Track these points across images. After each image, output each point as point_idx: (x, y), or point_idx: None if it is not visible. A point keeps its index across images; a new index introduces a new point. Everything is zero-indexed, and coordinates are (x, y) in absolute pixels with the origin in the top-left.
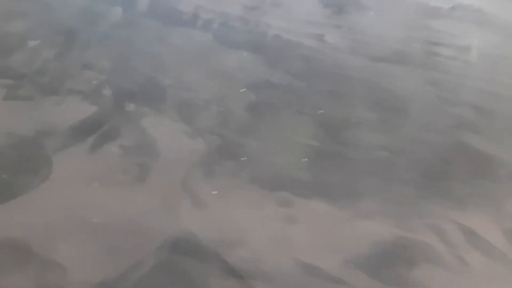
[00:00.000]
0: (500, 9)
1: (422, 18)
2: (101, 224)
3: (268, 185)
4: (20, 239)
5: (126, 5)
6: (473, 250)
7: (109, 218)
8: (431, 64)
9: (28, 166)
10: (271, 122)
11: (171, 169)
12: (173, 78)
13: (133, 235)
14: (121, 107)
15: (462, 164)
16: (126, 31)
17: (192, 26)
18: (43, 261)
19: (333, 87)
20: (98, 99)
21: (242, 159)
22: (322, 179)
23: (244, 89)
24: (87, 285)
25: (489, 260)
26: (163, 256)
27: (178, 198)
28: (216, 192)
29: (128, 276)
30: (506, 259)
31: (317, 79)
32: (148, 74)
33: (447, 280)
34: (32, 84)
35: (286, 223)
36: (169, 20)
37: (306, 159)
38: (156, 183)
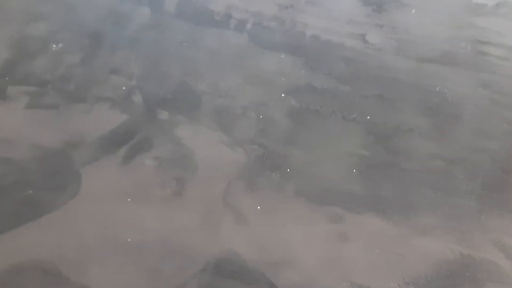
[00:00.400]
0: None
1: (466, 16)
2: (136, 244)
3: (316, 199)
4: (49, 261)
5: (154, 5)
6: None
7: (145, 237)
8: (482, 64)
9: (55, 181)
10: (315, 129)
11: (210, 182)
12: (207, 83)
13: (172, 256)
14: (153, 115)
15: None
16: (154, 33)
17: (225, 27)
18: (74, 287)
19: (379, 91)
20: (128, 106)
21: (287, 170)
22: (374, 192)
23: (283, 95)
24: None
25: None
26: (206, 279)
27: (219, 215)
28: (259, 207)
29: None
30: None
31: (362, 83)
32: (181, 79)
33: None
34: (57, 91)
35: (338, 241)
36: (200, 20)
37: (355, 170)
38: (195, 198)
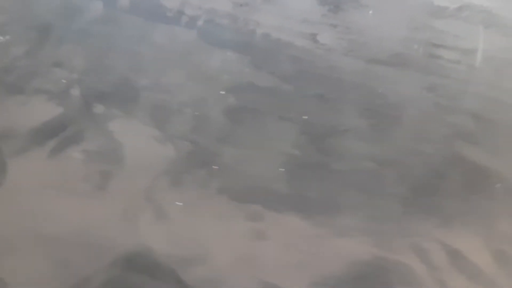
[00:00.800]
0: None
1: (425, 18)
2: (52, 236)
3: (238, 197)
4: None
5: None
6: (457, 274)
7: (62, 230)
8: (432, 67)
9: None
10: (250, 128)
11: (135, 177)
12: (149, 78)
13: (85, 248)
14: (88, 108)
15: (456, 178)
16: (105, 28)
17: (176, 23)
18: None
19: (322, 91)
20: (65, 99)
21: (214, 167)
22: (299, 191)
23: (223, 92)
24: None
25: (474, 285)
26: (115, 272)
27: (139, 209)
28: (180, 203)
29: None
30: (493, 285)
31: (306, 82)
32: (123, 74)
33: None
34: None
35: (254, 240)
36: (152, 16)
37: (283, 169)
38: (117, 192)
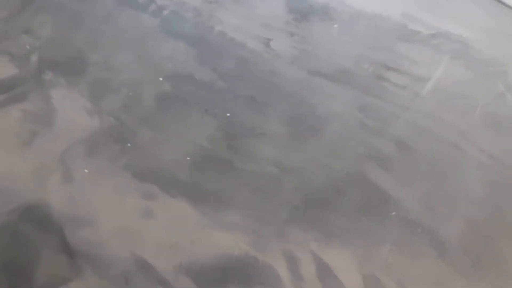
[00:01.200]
0: (490, 45)
1: (390, 40)
2: None
3: (141, 175)
4: None
5: None
6: None
7: None
8: (373, 89)
9: None
10: (174, 116)
11: (57, 140)
12: (100, 56)
13: None
14: (39, 74)
15: (353, 197)
16: (79, 5)
17: (144, 10)
18: None
19: (255, 93)
20: (22, 63)
21: (127, 145)
22: (197, 182)
23: (161, 79)
24: None
25: None
26: (11, 218)
27: (51, 169)
28: (87, 171)
29: None
30: None
31: (242, 83)
32: (80, 48)
33: None
34: None
35: (142, 216)
36: (125, 1)
37: (189, 159)
38: (38, 150)
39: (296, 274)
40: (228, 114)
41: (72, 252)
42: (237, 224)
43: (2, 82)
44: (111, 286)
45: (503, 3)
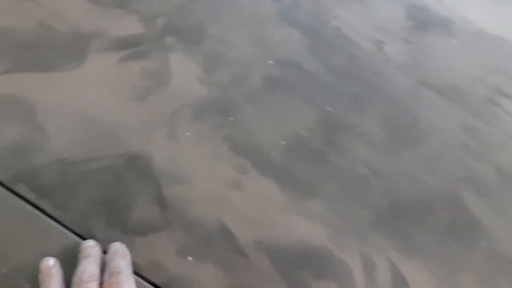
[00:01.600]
0: None
1: (510, 66)
2: (92, 116)
3: (236, 148)
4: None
5: None
6: None
7: (100, 114)
8: (484, 112)
9: (65, 55)
10: (276, 99)
11: (168, 100)
12: (218, 30)
13: (105, 136)
14: (162, 37)
15: (444, 217)
16: None
17: None
18: None
19: (359, 92)
20: (149, 24)
21: (230, 118)
22: (288, 165)
23: (272, 62)
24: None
25: None
26: (117, 162)
27: (159, 125)
28: (189, 134)
29: (83, 166)
30: None
31: (348, 80)
32: (201, 20)
33: None
34: None
35: (232, 187)
36: None
37: (284, 143)
38: (149, 106)
39: (370, 278)
40: (330, 108)
41: (165, 205)
42: (320, 215)
43: (129, 38)
44: (195, 244)
45: None
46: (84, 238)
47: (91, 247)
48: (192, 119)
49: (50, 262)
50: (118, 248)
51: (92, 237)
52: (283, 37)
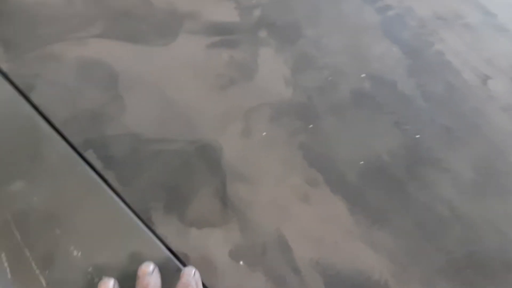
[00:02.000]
0: None
1: None
2: (175, 99)
3: (311, 159)
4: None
5: None
6: None
7: (181, 100)
8: None
9: (156, 30)
10: (363, 116)
11: (250, 95)
12: (314, 33)
13: (181, 120)
14: (256, 29)
15: None
16: None
17: (370, 4)
18: None
19: (453, 126)
20: (245, 14)
21: (309, 126)
22: (362, 188)
23: (364, 75)
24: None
25: None
26: (188, 148)
27: (235, 119)
28: (265, 134)
29: (153, 146)
30: None
31: (444, 110)
32: (298, 19)
33: None
34: None
35: (298, 198)
36: None
37: (363, 163)
38: (230, 98)
39: None
40: (418, 136)
41: (226, 202)
42: (387, 248)
43: (223, 24)
44: (249, 249)
45: None
46: (140, 218)
47: (149, 275)
48: (270, 119)
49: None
50: (191, 282)
51: (149, 219)
52: (381, 52)
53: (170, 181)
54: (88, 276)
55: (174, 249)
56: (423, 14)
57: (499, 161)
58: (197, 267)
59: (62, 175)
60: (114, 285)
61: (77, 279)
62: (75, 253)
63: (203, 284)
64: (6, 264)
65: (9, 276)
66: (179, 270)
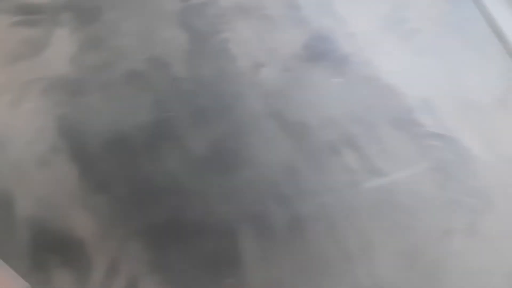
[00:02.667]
0: None
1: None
2: None
3: (65, 131)
4: None
5: None
6: None
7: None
8: None
9: None
10: (126, 93)
11: (31, 70)
12: (116, 15)
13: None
14: (60, 11)
15: None
16: None
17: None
18: None
19: (208, 106)
20: None
21: (74, 99)
22: (100, 158)
23: (145, 57)
24: None
25: None
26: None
27: (7, 92)
28: (32, 105)
29: None
30: None
31: (206, 92)
32: (105, 2)
33: None
34: None
35: (40, 163)
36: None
37: (110, 136)
38: (12, 71)
39: None
40: (172, 114)
41: None
42: (102, 211)
43: (31, 6)
44: None
45: None
46: None
47: None
48: (42, 92)
49: None
50: None
51: None
52: (170, 37)
53: None
54: None
55: None
56: (226, 4)
57: (232, 140)
58: None
59: None
60: None
61: None
62: None
63: None
64: None
65: None
66: None
